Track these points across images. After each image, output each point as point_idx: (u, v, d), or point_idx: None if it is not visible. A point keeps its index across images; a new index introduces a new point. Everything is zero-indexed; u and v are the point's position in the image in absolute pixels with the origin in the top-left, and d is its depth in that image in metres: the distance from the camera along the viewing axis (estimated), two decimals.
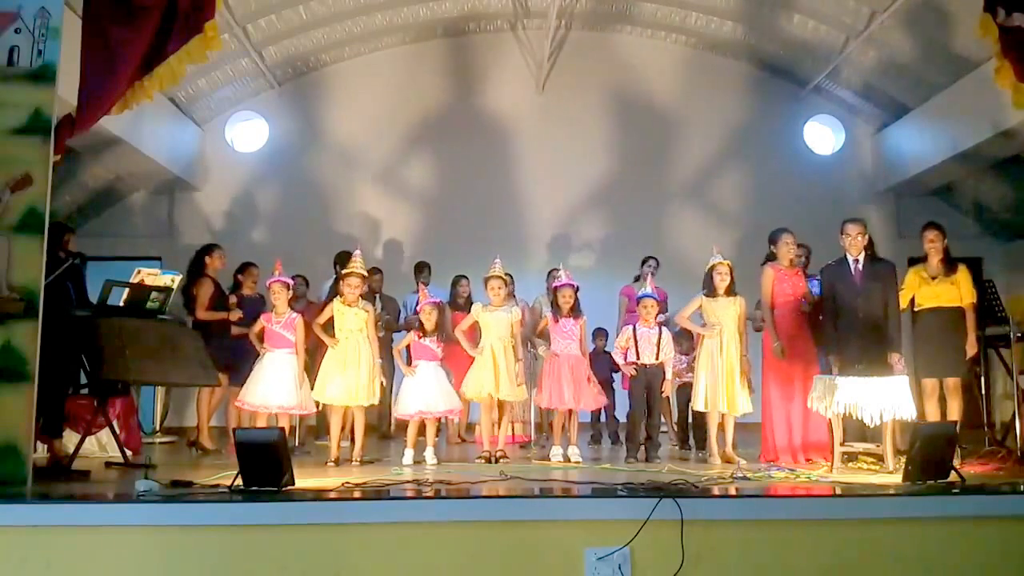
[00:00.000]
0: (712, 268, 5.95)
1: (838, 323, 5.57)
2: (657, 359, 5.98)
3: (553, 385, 5.88)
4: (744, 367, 5.80)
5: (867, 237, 5.64)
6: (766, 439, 5.85)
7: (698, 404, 5.91)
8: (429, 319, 5.95)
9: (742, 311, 5.90)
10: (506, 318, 6.02)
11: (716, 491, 4.02)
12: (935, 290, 5.68)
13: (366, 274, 6.08)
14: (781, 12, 9.12)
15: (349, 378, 5.71)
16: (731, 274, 5.91)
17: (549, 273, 7.83)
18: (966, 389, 6.09)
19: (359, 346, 5.80)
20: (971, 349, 5.64)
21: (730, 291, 5.90)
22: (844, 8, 8.65)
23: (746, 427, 6.14)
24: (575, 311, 5.99)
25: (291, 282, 6.22)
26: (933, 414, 5.49)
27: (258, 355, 5.99)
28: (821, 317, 5.83)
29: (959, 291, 5.66)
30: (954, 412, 5.58)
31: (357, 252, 6.12)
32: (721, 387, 5.73)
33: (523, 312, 6.78)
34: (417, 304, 6.12)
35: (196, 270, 6.77)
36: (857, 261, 5.60)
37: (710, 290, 5.95)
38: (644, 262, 7.48)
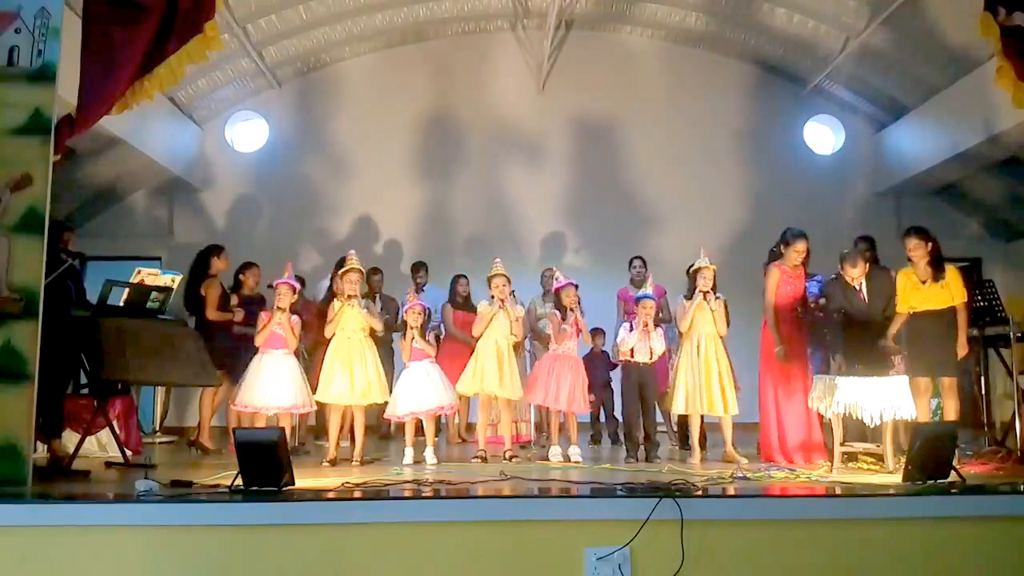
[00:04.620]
0: (697, 271, 5.95)
1: (840, 325, 5.64)
2: (651, 358, 5.98)
3: (549, 384, 5.89)
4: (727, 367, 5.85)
5: (867, 265, 5.71)
6: (762, 439, 5.86)
7: (679, 407, 5.90)
8: (415, 320, 5.93)
9: (723, 311, 5.91)
10: (504, 314, 6.02)
11: (716, 491, 4.02)
12: (926, 294, 5.64)
13: (363, 270, 6.07)
14: (781, 12, 9.12)
15: (356, 377, 5.70)
16: (714, 278, 5.91)
17: (543, 274, 7.84)
18: (966, 389, 6.09)
19: (363, 344, 5.80)
20: (962, 350, 5.58)
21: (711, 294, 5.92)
22: (844, 8, 8.65)
23: (746, 427, 6.14)
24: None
25: (298, 285, 6.21)
26: (925, 413, 5.49)
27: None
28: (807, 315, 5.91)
29: (950, 292, 5.63)
30: (950, 412, 5.58)
31: (351, 252, 6.12)
32: (702, 389, 5.73)
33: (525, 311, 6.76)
34: (405, 307, 6.12)
35: (201, 270, 6.75)
36: (859, 283, 5.71)
37: (691, 291, 5.95)
38: (630, 264, 7.46)
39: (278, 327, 5.92)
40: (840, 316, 5.69)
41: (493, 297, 6.06)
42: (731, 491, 4.12)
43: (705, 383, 5.75)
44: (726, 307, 6.02)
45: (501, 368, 5.90)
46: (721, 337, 5.90)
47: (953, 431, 4.45)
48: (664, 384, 6.71)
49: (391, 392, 5.90)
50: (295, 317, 6.05)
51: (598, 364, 7.10)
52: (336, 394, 5.74)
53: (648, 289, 6.18)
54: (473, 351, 6.09)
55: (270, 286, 6.26)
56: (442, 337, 7.48)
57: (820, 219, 8.45)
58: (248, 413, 5.91)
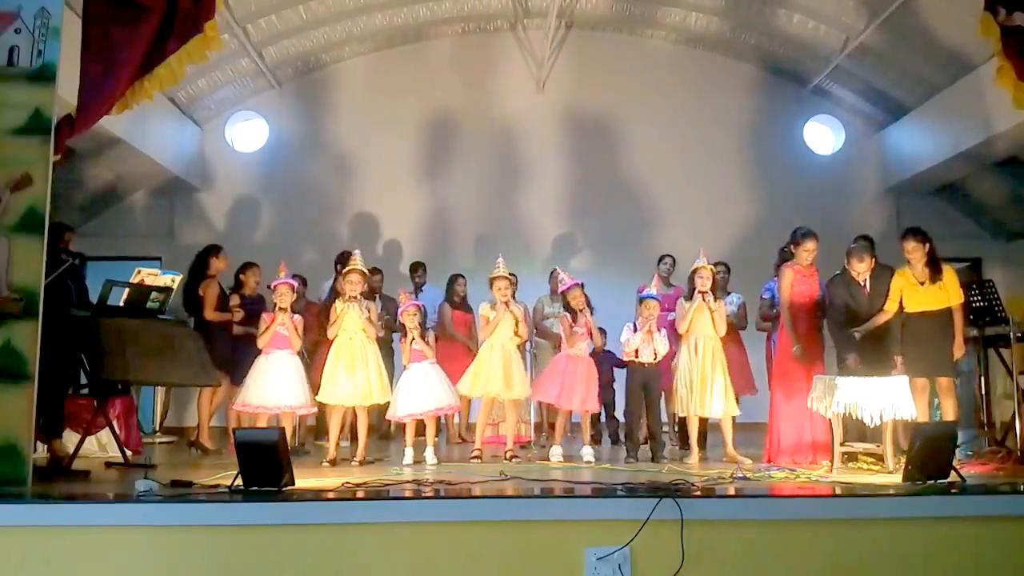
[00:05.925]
0: (694, 272, 5.94)
1: (843, 325, 5.64)
2: (655, 359, 5.97)
3: (564, 383, 5.85)
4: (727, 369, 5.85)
5: (873, 260, 5.74)
6: (771, 440, 5.84)
7: (679, 408, 5.89)
8: (412, 321, 5.91)
9: (723, 311, 5.90)
10: (509, 316, 6.01)
11: (716, 491, 4.02)
12: (924, 296, 5.63)
13: (366, 271, 6.07)
14: (781, 12, 9.12)
15: (358, 378, 5.69)
16: (713, 278, 5.90)
17: (551, 274, 7.83)
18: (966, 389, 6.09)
19: (365, 345, 5.79)
20: (958, 351, 5.58)
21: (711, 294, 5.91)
22: (844, 8, 8.65)
23: (745, 427, 6.14)
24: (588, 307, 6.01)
25: (295, 283, 6.20)
26: (923, 413, 5.49)
27: (258, 355, 5.97)
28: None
29: (947, 293, 5.63)
30: (949, 412, 5.58)
31: (357, 251, 6.14)
32: (697, 390, 5.73)
33: (524, 312, 6.72)
34: (400, 308, 6.11)
35: (200, 271, 6.75)
36: (864, 279, 5.72)
37: (690, 293, 5.94)
38: (660, 260, 7.45)
39: (282, 328, 5.88)
40: (842, 314, 5.68)
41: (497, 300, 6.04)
42: (731, 491, 4.12)
43: (700, 385, 5.74)
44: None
45: (506, 370, 5.88)
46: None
47: (953, 431, 4.45)
48: (670, 384, 6.71)
49: (392, 393, 5.89)
50: (297, 317, 6.04)
51: (601, 363, 7.08)
52: (339, 395, 5.73)
53: (652, 290, 6.16)
54: (469, 351, 6.07)
55: (269, 287, 6.25)
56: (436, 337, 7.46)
57: (820, 219, 8.40)
58: (248, 413, 5.90)
